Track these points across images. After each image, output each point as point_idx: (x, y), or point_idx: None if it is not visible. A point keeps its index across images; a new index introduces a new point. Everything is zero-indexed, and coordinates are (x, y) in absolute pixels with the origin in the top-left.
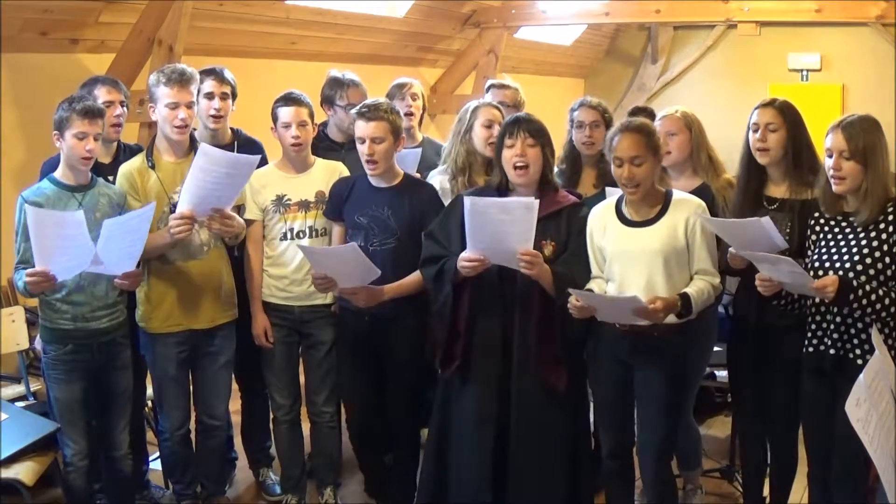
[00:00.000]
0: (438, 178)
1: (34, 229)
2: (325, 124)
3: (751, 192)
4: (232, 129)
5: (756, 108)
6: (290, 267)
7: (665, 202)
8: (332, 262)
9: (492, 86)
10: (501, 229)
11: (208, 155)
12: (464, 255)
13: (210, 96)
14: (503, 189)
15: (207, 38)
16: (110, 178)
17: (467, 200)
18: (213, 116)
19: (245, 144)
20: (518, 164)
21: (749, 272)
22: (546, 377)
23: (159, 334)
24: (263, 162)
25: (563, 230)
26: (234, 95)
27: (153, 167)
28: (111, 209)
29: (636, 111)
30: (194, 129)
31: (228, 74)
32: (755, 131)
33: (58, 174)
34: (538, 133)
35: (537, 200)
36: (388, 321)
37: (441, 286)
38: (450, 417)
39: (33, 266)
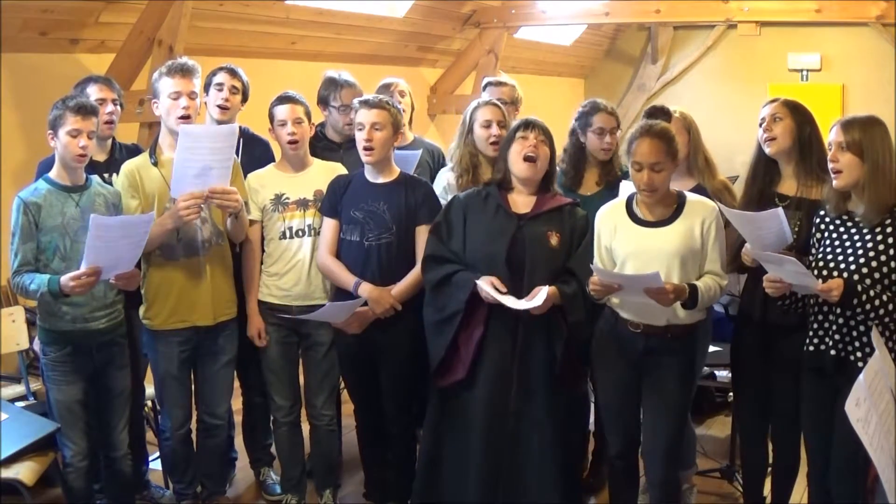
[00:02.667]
0: (446, 175)
1: (97, 234)
2: (322, 125)
3: (758, 189)
4: (240, 127)
5: (764, 105)
6: (289, 266)
7: (679, 203)
8: (323, 316)
9: (489, 83)
10: None
11: (189, 134)
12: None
13: (220, 87)
14: (505, 187)
15: (207, 38)
16: (106, 175)
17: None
18: (219, 107)
19: (249, 141)
20: (529, 155)
21: (756, 271)
22: (564, 386)
23: (162, 332)
24: (268, 161)
25: (567, 225)
26: (244, 95)
27: (156, 164)
28: (107, 209)
29: (654, 111)
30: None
31: (242, 73)
32: (761, 125)
33: (53, 174)
34: (549, 135)
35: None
36: (384, 322)
37: (444, 297)
38: (446, 421)
39: (35, 269)
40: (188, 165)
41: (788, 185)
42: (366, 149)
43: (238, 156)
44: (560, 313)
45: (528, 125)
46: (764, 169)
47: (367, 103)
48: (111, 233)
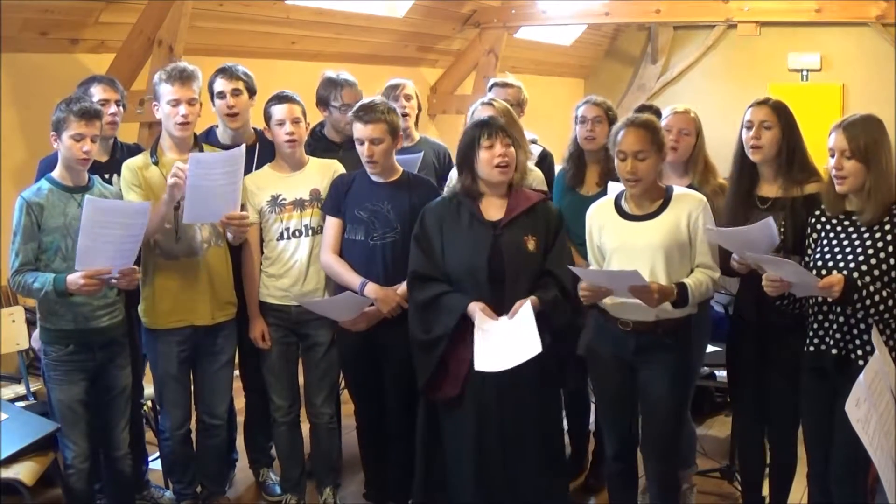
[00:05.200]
0: (453, 175)
1: (92, 217)
2: (321, 125)
3: (743, 190)
4: (255, 129)
5: (750, 107)
6: (287, 266)
7: (666, 197)
8: (328, 309)
9: (494, 84)
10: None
11: (200, 162)
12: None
13: (222, 95)
14: (475, 194)
15: (207, 38)
16: (107, 175)
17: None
18: (228, 115)
19: (267, 146)
20: (502, 164)
21: (750, 272)
22: (552, 384)
23: (161, 332)
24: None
25: (542, 224)
26: (251, 91)
27: (157, 163)
28: None
29: (642, 109)
30: (215, 126)
31: (241, 70)
32: (749, 129)
33: (56, 174)
34: (510, 133)
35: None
36: (389, 320)
37: (430, 319)
38: (438, 424)
39: (35, 268)
40: (200, 192)
41: (769, 188)
42: (368, 163)
43: (254, 160)
44: (543, 317)
45: (490, 132)
46: (748, 171)
47: (361, 118)
48: (106, 217)
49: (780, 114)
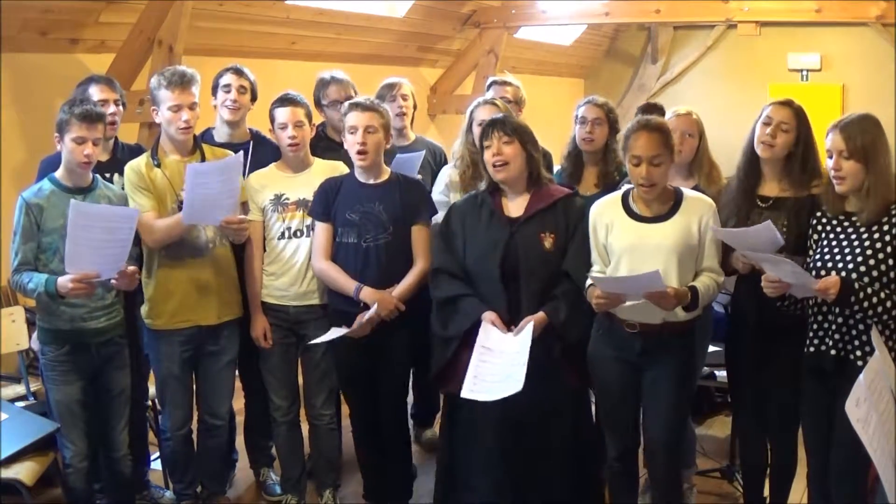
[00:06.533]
0: (449, 172)
1: (77, 221)
2: (324, 124)
3: (748, 186)
4: (250, 129)
5: (773, 104)
6: (286, 266)
7: (676, 199)
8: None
9: (493, 83)
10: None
11: (198, 172)
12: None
13: (227, 89)
14: (494, 191)
15: (207, 38)
16: (108, 175)
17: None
18: (229, 108)
19: (260, 144)
20: (496, 163)
21: (752, 271)
22: (567, 381)
23: (164, 332)
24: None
25: (562, 221)
26: (253, 94)
27: (159, 165)
28: None
29: (648, 108)
30: (212, 128)
31: (248, 72)
32: (767, 125)
33: (59, 175)
34: (514, 130)
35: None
36: (383, 324)
37: (447, 317)
38: (457, 426)
39: (34, 268)
40: (199, 199)
41: (770, 187)
42: (359, 152)
43: (247, 159)
44: (554, 333)
45: (489, 131)
46: (755, 167)
47: (358, 106)
48: (90, 221)
49: (801, 119)
